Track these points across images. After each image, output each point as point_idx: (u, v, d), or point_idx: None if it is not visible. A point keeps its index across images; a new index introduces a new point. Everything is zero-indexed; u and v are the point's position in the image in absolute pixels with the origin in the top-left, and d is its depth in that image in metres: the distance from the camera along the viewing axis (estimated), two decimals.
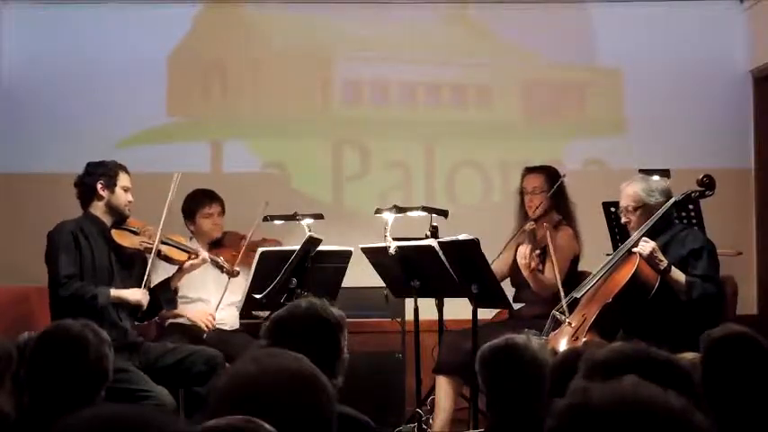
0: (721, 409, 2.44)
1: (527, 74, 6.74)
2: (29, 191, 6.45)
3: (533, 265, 5.01)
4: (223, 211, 5.66)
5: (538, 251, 5.06)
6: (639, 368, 1.77)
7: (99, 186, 4.91)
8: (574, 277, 5.22)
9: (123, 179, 4.95)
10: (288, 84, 6.68)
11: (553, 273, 5.04)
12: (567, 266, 5.24)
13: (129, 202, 4.95)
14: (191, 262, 5.06)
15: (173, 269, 5.14)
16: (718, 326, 2.82)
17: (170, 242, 5.04)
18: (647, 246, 4.66)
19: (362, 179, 6.69)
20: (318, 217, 5.24)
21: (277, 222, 5.42)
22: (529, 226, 5.24)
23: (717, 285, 4.72)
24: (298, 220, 5.19)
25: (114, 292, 4.81)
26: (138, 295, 4.84)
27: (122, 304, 4.85)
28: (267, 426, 1.58)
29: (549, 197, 5.30)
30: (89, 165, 5.00)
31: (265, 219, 5.41)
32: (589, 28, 6.75)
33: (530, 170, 5.45)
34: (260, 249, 4.89)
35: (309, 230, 4.91)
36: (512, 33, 6.73)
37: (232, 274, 5.24)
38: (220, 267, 5.22)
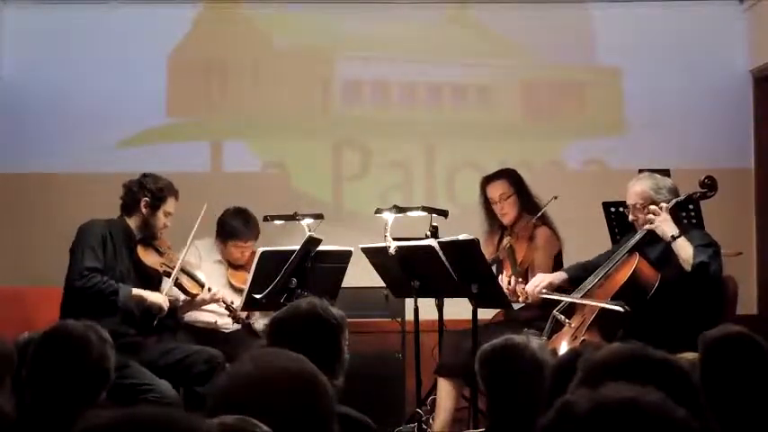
0: (720, 409, 2.44)
1: (527, 74, 6.74)
2: (29, 191, 6.45)
3: (522, 299, 4.99)
4: (256, 241, 5.53)
5: (521, 280, 5.03)
6: (638, 369, 1.78)
7: (143, 203, 4.90)
8: None
9: (169, 204, 4.92)
10: (288, 84, 6.68)
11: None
12: (550, 268, 5.24)
13: (166, 226, 4.94)
14: (203, 297, 5.05)
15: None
16: (716, 326, 2.83)
17: (189, 273, 5.04)
18: (661, 213, 4.67)
19: (362, 179, 6.69)
20: (318, 217, 5.24)
21: (277, 222, 5.42)
22: (506, 242, 5.23)
23: (719, 271, 4.69)
24: (298, 220, 5.19)
25: (136, 291, 4.80)
26: (159, 298, 4.83)
27: (135, 309, 4.84)
28: (263, 426, 1.58)
29: (517, 199, 5.29)
30: (146, 176, 4.96)
31: (265, 219, 5.41)
32: (589, 28, 6.75)
33: (489, 179, 5.41)
34: (260, 249, 4.89)
35: (309, 230, 4.91)
36: (512, 33, 6.73)
37: (237, 320, 5.22)
38: (229, 310, 5.18)
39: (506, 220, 5.33)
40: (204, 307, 5.43)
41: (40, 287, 5.43)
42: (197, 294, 5.04)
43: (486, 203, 5.39)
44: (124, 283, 4.88)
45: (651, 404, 1.37)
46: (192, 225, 5.65)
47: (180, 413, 1.45)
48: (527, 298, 4.98)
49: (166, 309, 4.85)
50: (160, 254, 4.96)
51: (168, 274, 4.89)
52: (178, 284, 4.98)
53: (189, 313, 5.44)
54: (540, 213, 5.22)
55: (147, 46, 6.57)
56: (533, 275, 5.19)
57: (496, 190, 5.35)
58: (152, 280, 4.97)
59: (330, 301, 3.03)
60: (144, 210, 4.90)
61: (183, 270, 4.97)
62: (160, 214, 4.91)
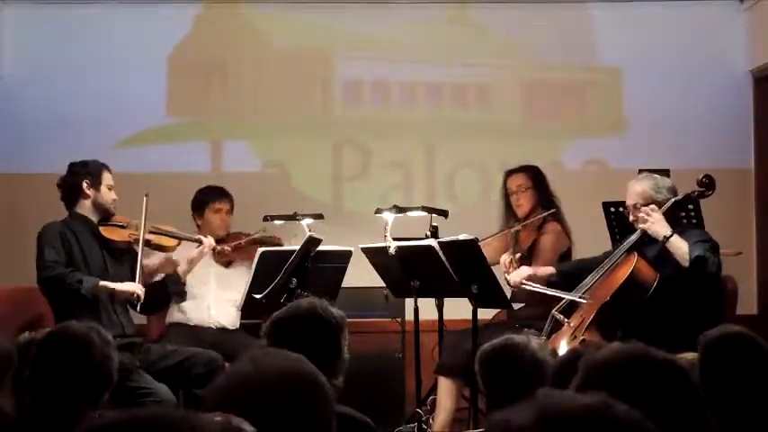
0: (720, 409, 2.44)
1: (527, 74, 6.74)
2: (29, 191, 6.45)
3: (512, 270, 5.02)
4: (232, 210, 5.68)
5: (518, 255, 5.08)
6: (639, 369, 1.78)
7: (85, 185, 4.97)
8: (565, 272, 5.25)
9: (107, 177, 5.01)
10: (288, 84, 6.68)
11: (540, 262, 5.13)
12: (553, 261, 5.26)
13: (114, 199, 5.00)
14: (197, 250, 5.11)
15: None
16: (716, 326, 2.83)
17: (158, 231, 5.08)
18: (652, 214, 4.67)
19: (362, 179, 6.69)
20: (318, 217, 5.24)
21: (277, 222, 5.42)
22: (515, 228, 5.28)
23: (717, 265, 4.68)
24: (298, 220, 5.19)
25: (103, 282, 4.82)
26: (129, 286, 4.84)
27: (119, 299, 4.86)
28: (248, 426, 1.57)
29: (534, 193, 5.37)
30: (72, 165, 5.07)
31: (265, 219, 5.40)
32: (589, 28, 6.75)
33: (511, 171, 5.52)
34: (260, 249, 4.89)
35: (309, 230, 4.91)
36: (512, 33, 6.73)
37: (224, 255, 5.27)
38: (215, 250, 5.25)
39: (520, 212, 5.40)
40: (200, 305, 5.46)
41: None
42: (174, 246, 5.10)
43: (506, 196, 5.45)
44: (105, 269, 4.91)
45: (590, 407, 1.36)
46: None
47: (184, 413, 1.44)
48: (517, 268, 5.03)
49: (141, 293, 4.85)
50: (123, 227, 5.00)
51: (138, 241, 4.92)
52: (153, 245, 5.05)
53: (183, 312, 5.46)
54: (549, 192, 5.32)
55: (147, 46, 6.57)
56: (536, 261, 5.22)
57: (515, 181, 5.46)
58: (128, 254, 5.00)
59: (330, 301, 3.03)
60: (89, 192, 4.97)
61: (151, 231, 5.01)
62: (104, 189, 4.99)
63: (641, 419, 1.39)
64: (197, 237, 5.23)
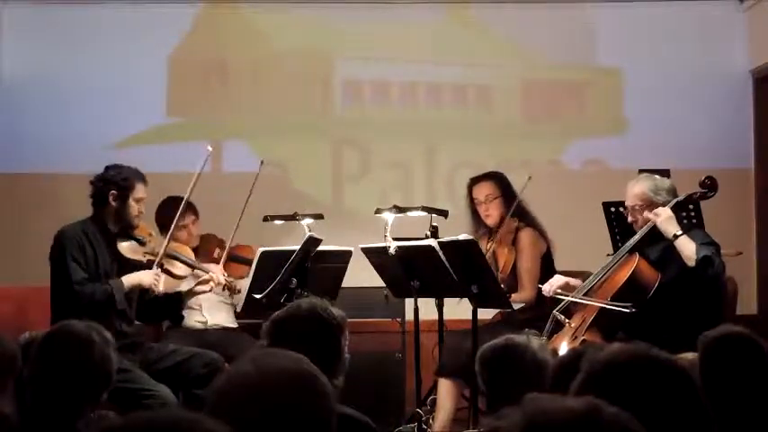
0: (720, 409, 2.44)
1: (527, 74, 6.75)
2: (29, 191, 6.45)
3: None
4: (197, 217, 5.58)
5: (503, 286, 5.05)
6: (640, 369, 1.77)
7: (111, 196, 4.81)
8: (550, 273, 5.23)
9: (138, 190, 4.84)
10: (288, 84, 6.69)
11: (525, 282, 5.15)
12: (538, 268, 5.25)
13: (140, 212, 4.87)
14: (202, 288, 4.97)
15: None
16: (716, 326, 2.83)
17: (174, 255, 4.98)
18: (662, 212, 4.67)
19: (362, 179, 6.69)
20: (318, 217, 5.24)
21: (277, 222, 5.41)
22: (489, 246, 5.22)
23: (721, 267, 4.68)
24: (298, 220, 5.19)
25: (126, 280, 4.73)
26: (149, 276, 4.75)
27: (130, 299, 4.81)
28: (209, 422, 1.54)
29: (503, 201, 5.31)
30: (108, 168, 4.88)
31: (265, 219, 5.40)
32: (589, 28, 6.75)
33: (475, 180, 5.43)
34: (260, 249, 4.88)
35: (309, 230, 4.91)
36: (512, 33, 6.74)
37: (234, 291, 5.16)
38: (226, 287, 5.11)
39: (489, 222, 5.33)
40: (193, 313, 5.45)
41: (41, 287, 5.41)
42: (184, 276, 4.99)
43: (472, 205, 5.40)
44: (109, 278, 4.81)
45: (575, 410, 1.36)
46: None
47: (199, 417, 1.44)
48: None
49: (160, 285, 4.78)
50: (141, 243, 4.87)
51: (152, 263, 4.82)
52: (165, 270, 4.92)
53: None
54: (518, 200, 5.23)
55: (147, 46, 6.57)
56: (521, 278, 5.21)
57: (482, 190, 5.38)
58: (136, 270, 4.88)
59: (330, 301, 3.02)
60: (113, 203, 4.82)
61: (167, 254, 4.88)
62: (131, 202, 4.83)
63: (630, 422, 1.38)
64: (204, 267, 5.10)
